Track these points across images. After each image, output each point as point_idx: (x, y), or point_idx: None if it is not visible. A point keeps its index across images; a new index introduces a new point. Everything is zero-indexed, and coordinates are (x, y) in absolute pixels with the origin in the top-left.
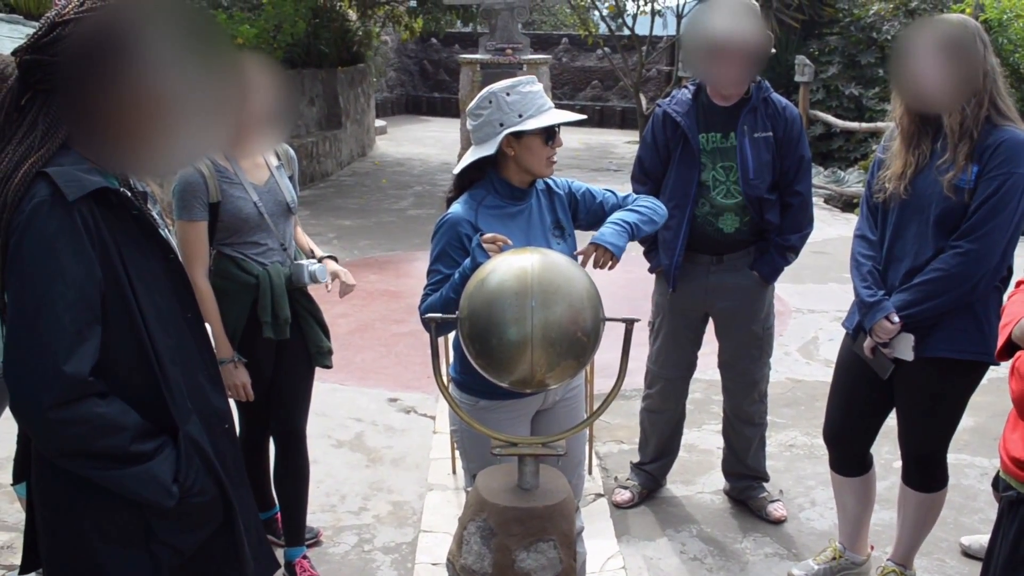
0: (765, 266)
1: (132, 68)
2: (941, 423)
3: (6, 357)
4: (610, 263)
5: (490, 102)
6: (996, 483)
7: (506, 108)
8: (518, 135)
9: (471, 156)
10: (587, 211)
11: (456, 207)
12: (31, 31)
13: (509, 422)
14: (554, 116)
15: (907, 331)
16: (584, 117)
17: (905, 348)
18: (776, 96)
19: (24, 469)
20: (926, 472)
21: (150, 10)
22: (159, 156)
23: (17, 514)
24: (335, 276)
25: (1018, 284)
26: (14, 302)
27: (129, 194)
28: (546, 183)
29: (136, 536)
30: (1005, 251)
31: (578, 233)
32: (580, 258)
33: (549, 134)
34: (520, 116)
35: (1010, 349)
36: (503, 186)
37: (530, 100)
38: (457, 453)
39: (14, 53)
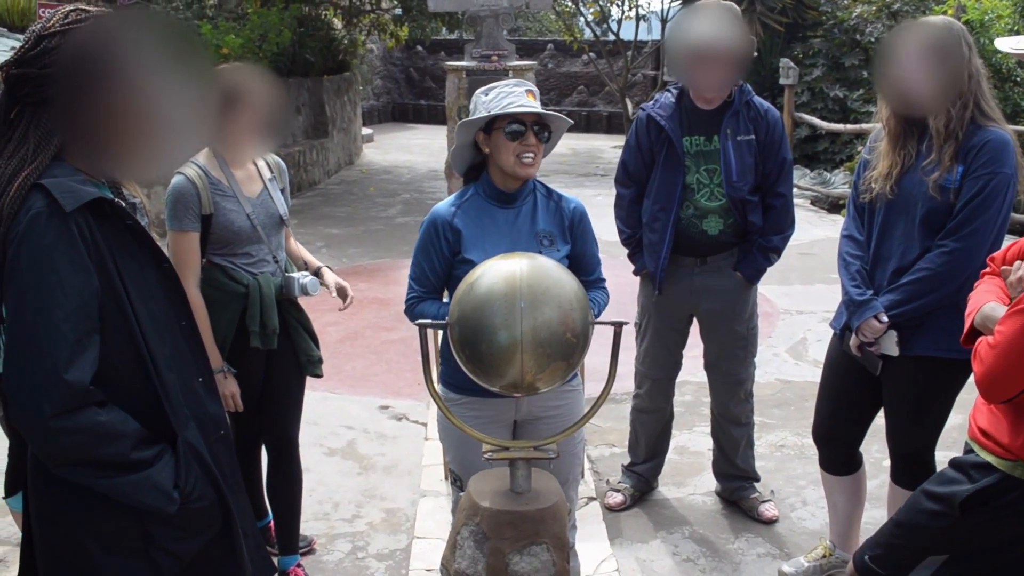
0: (748, 267)
1: (119, 77)
2: (928, 422)
3: (6, 368)
4: None
5: (474, 102)
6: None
7: (480, 108)
8: (489, 131)
9: (454, 154)
10: (570, 257)
11: (441, 204)
12: (15, 44)
13: (483, 422)
14: (513, 108)
15: (894, 330)
16: (554, 113)
17: (889, 344)
18: (758, 99)
19: (16, 482)
20: (914, 470)
21: (133, 21)
22: (149, 161)
23: (10, 527)
24: (343, 292)
25: (982, 274)
26: (13, 313)
27: (123, 204)
28: (557, 196)
29: (136, 544)
30: (990, 250)
31: None
32: None
33: (514, 131)
34: (489, 113)
35: (973, 335)
36: (488, 186)
37: (503, 99)
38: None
39: (0, 68)
